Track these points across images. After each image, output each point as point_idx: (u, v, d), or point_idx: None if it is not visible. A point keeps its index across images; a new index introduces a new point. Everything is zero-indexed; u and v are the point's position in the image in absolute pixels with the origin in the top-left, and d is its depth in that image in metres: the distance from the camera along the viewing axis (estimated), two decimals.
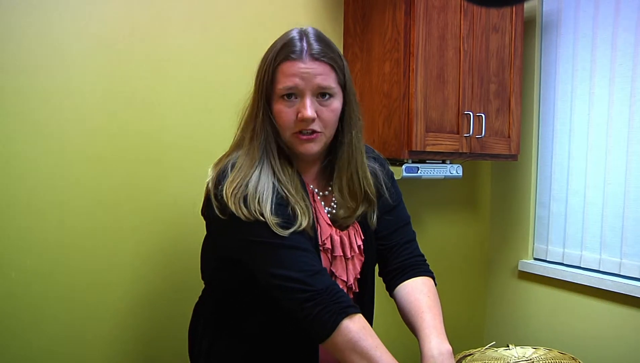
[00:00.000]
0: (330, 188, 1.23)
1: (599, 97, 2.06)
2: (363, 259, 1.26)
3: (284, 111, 1.11)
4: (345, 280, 1.22)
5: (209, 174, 1.15)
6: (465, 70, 1.91)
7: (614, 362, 2.01)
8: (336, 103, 1.13)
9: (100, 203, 1.52)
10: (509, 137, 2.08)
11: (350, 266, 1.23)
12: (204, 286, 1.33)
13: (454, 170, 2.01)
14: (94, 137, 1.50)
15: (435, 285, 1.28)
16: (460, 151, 1.92)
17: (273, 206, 1.08)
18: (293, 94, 1.10)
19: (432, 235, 2.30)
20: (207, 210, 1.16)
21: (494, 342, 2.09)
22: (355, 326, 1.04)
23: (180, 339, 1.40)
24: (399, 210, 1.32)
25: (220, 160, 1.18)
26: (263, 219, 1.06)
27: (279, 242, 1.06)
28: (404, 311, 1.22)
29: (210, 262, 1.27)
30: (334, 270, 1.20)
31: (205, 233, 1.26)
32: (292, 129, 1.11)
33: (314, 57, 1.09)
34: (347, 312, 1.04)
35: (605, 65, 2.04)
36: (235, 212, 1.06)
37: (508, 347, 2.04)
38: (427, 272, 1.28)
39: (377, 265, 1.33)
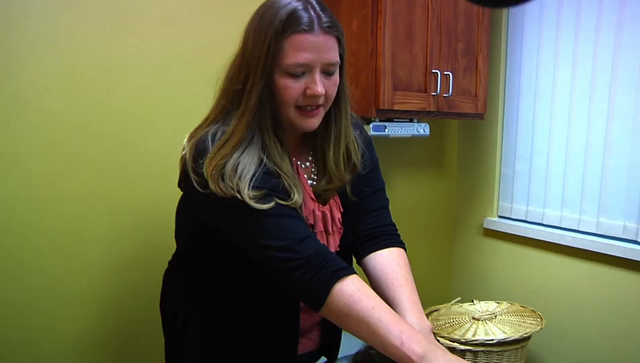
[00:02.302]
0: (310, 158, 1.19)
1: (564, 58, 2.09)
2: (342, 232, 1.23)
3: (290, 87, 1.03)
4: None
5: (185, 146, 1.09)
6: (433, 28, 1.91)
7: (572, 314, 2.10)
8: (337, 76, 1.08)
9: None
10: (475, 96, 2.11)
11: (331, 241, 1.20)
12: (175, 250, 1.29)
13: (421, 129, 2.03)
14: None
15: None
16: (428, 109, 1.93)
17: (259, 177, 1.01)
18: (302, 70, 1.02)
19: (399, 194, 2.33)
20: (185, 184, 1.11)
21: (459, 298, 2.17)
22: (348, 289, 0.98)
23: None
24: (375, 175, 1.28)
25: (195, 132, 1.10)
26: (247, 193, 0.99)
27: (263, 211, 1.00)
28: (378, 283, 1.19)
29: (188, 225, 1.21)
30: None
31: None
32: (296, 104, 1.05)
33: (325, 30, 1.02)
34: (338, 276, 0.99)
35: (570, 26, 2.06)
36: (216, 188, 1.00)
37: (473, 302, 2.12)
38: (400, 243, 1.26)
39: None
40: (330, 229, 1.19)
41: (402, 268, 1.20)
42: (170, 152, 1.13)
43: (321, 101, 1.06)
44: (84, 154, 1.54)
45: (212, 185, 1.00)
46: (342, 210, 1.21)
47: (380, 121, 1.91)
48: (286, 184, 1.05)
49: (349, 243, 1.26)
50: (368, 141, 1.28)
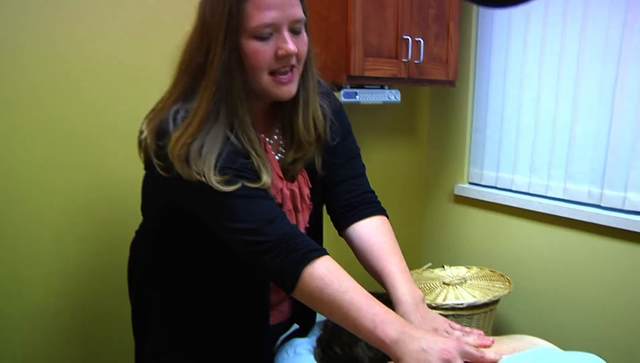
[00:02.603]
0: (278, 132, 1.15)
1: (534, 26, 2.10)
2: (312, 207, 1.21)
3: (261, 51, 0.97)
4: None
5: (143, 128, 1.04)
6: None
7: (539, 277, 2.16)
8: (305, 34, 1.03)
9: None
10: (446, 63, 2.11)
11: (300, 218, 1.18)
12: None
13: (392, 95, 2.03)
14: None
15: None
16: (399, 76, 1.93)
17: (225, 157, 0.98)
18: (269, 31, 0.97)
19: (370, 161, 2.31)
20: (149, 167, 1.07)
21: (430, 264, 2.21)
22: (319, 272, 0.95)
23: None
24: (348, 142, 1.24)
25: (155, 114, 1.04)
26: (212, 177, 0.96)
27: (230, 193, 0.97)
28: (364, 254, 1.17)
29: (154, 201, 1.17)
30: None
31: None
32: (269, 70, 0.99)
33: None
34: (309, 259, 0.96)
35: None
36: (182, 171, 0.96)
37: (443, 267, 2.16)
38: (381, 210, 1.24)
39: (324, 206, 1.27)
40: (299, 206, 1.16)
41: (388, 237, 1.18)
42: (138, 121, 1.10)
43: (293, 61, 1.01)
44: (47, 124, 1.49)
45: (177, 168, 0.96)
46: (310, 186, 1.19)
47: (351, 87, 1.89)
48: (255, 164, 1.01)
49: (319, 218, 1.25)
50: (339, 109, 1.24)
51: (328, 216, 1.27)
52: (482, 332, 1.03)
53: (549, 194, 2.11)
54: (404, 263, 1.13)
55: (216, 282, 1.15)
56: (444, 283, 1.96)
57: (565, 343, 1.00)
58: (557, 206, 2.06)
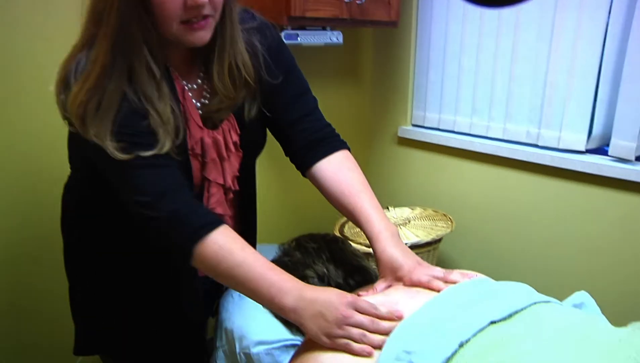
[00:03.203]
0: (202, 76, 1.09)
1: None
2: (241, 154, 1.17)
3: (167, 1, 0.90)
4: (222, 182, 1.14)
5: (56, 73, 0.97)
6: None
7: (480, 216, 2.23)
8: None
9: None
10: (389, 3, 2.07)
11: (227, 166, 1.14)
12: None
13: (334, 37, 1.99)
14: None
15: None
16: (341, 17, 1.88)
17: (121, 121, 0.93)
18: None
19: None
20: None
21: None
22: (209, 249, 0.94)
23: None
24: (294, 78, 1.19)
25: (67, 60, 0.97)
26: (108, 143, 0.91)
27: (126, 162, 0.93)
28: (333, 194, 1.14)
29: (77, 152, 1.12)
30: (207, 175, 1.11)
31: None
32: (180, 18, 0.93)
33: None
34: (199, 235, 0.95)
35: None
36: (82, 132, 0.92)
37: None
38: (343, 144, 1.21)
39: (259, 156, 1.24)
40: (224, 154, 1.12)
41: (355, 173, 1.16)
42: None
43: (207, 10, 0.94)
44: None
45: (77, 126, 0.91)
46: (239, 132, 1.14)
47: (292, 29, 1.84)
48: (152, 125, 0.95)
49: (250, 166, 1.22)
50: (277, 45, 1.17)
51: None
52: (466, 272, 1.03)
53: (489, 135, 2.16)
54: (374, 199, 1.12)
55: (142, 240, 1.09)
56: None
57: (505, 278, 1.04)
58: (497, 146, 2.11)
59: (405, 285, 1.00)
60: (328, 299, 0.90)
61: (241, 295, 1.33)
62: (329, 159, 1.17)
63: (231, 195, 1.20)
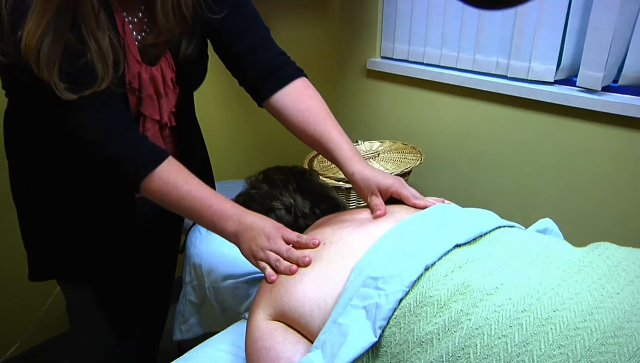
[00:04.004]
0: (143, 9, 1.06)
1: None
2: (178, 91, 1.17)
3: None
4: (159, 118, 1.15)
5: None
6: None
7: (449, 147, 2.24)
8: None
9: None
10: None
11: (164, 103, 1.14)
12: None
13: None
14: None
15: None
16: None
17: (66, 61, 0.91)
18: None
19: (279, 37, 2.21)
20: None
21: None
22: (154, 185, 1.00)
23: None
24: (241, 9, 1.16)
25: None
26: (57, 83, 0.91)
27: (73, 103, 0.94)
28: (297, 123, 1.14)
29: (12, 82, 1.08)
30: (143, 111, 1.11)
31: None
32: None
33: None
34: (142, 175, 1.00)
35: None
36: (35, 70, 0.90)
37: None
38: (300, 71, 1.20)
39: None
40: (161, 91, 1.12)
41: (316, 101, 1.17)
42: None
43: None
44: None
45: (31, 64, 0.89)
46: (175, 69, 1.13)
47: None
48: (91, 59, 0.93)
49: (187, 103, 1.23)
50: None
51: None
52: (442, 199, 1.09)
53: (459, 66, 2.14)
54: (338, 125, 1.14)
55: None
56: None
57: (469, 206, 1.06)
58: (466, 77, 2.09)
59: (394, 195, 1.07)
60: (262, 226, 1.01)
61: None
62: (287, 88, 1.16)
63: (167, 131, 1.21)
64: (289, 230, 1.02)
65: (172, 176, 1.01)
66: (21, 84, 1.04)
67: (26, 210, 1.20)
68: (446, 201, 1.08)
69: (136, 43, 1.06)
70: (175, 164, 1.03)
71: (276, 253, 0.97)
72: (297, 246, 0.99)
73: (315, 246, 0.97)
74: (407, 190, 1.07)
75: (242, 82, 1.21)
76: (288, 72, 1.18)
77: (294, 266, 0.94)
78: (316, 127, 1.12)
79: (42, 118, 1.07)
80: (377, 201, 1.04)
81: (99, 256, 1.23)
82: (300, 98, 1.16)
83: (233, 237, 1.02)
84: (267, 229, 1.00)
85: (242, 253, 1.03)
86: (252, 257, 1.00)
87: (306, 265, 0.93)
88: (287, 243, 0.99)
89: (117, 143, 0.99)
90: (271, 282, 0.94)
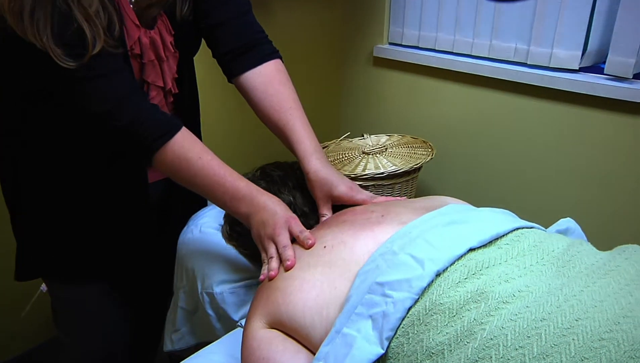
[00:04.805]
0: None
1: None
2: (178, 55, 1.20)
3: None
4: (162, 85, 1.18)
5: None
6: None
7: (462, 141, 2.24)
8: None
9: None
10: None
11: (166, 68, 1.17)
12: None
13: None
14: None
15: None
16: None
17: (55, 29, 0.91)
18: None
19: (281, 22, 2.25)
20: None
21: (349, 133, 2.22)
22: (167, 158, 1.04)
23: None
24: None
25: None
26: (52, 48, 0.91)
27: (78, 76, 0.96)
28: (263, 108, 1.20)
29: None
30: (146, 78, 1.14)
31: None
32: None
33: None
34: (157, 146, 1.03)
35: None
36: (20, 33, 0.90)
37: (363, 136, 2.18)
38: (274, 53, 1.24)
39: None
40: (162, 55, 1.14)
41: (286, 87, 1.20)
42: None
43: None
44: None
45: (14, 24, 0.89)
46: (172, 32, 1.16)
47: None
48: (82, 25, 0.94)
49: (189, 67, 1.26)
50: None
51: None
52: (405, 197, 1.11)
53: (474, 53, 2.13)
54: (304, 116, 1.19)
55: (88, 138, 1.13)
56: (364, 153, 1.99)
57: (488, 207, 1.05)
58: (482, 65, 2.08)
59: (344, 202, 1.13)
60: (272, 211, 1.04)
61: (202, 229, 1.34)
62: (260, 69, 1.21)
63: (171, 98, 1.23)
64: (297, 221, 1.05)
65: (185, 149, 1.04)
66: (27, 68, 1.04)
67: (19, 205, 1.21)
68: (441, 199, 1.09)
69: (131, 6, 1.08)
70: (189, 136, 1.06)
71: (276, 246, 1.01)
72: (298, 242, 1.01)
73: (308, 247, 0.99)
74: (362, 194, 1.14)
75: (216, 53, 1.26)
76: (263, 52, 1.22)
77: (274, 272, 0.97)
78: (281, 115, 1.18)
79: (29, 102, 1.08)
80: (325, 210, 1.14)
81: (107, 253, 1.25)
82: (270, 82, 1.20)
83: (245, 219, 1.07)
84: (276, 216, 1.04)
85: (252, 235, 1.07)
86: (260, 243, 1.05)
87: (287, 268, 0.95)
88: (291, 235, 1.02)
89: (130, 110, 1.01)
90: (270, 279, 0.96)
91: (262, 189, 1.08)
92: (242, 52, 1.21)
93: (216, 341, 1.21)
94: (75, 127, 1.09)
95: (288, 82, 1.22)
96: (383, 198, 1.15)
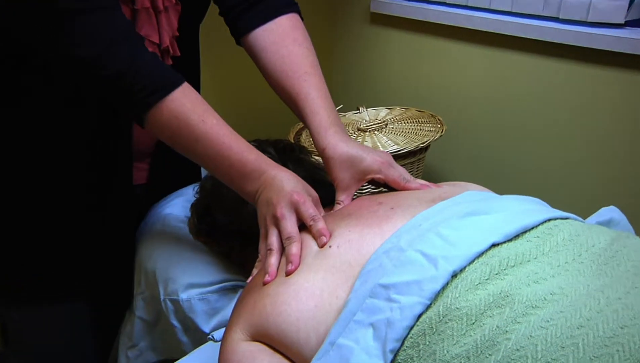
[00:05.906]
0: None
1: None
2: (180, 9, 1.19)
3: None
4: (158, 41, 1.17)
5: None
6: None
7: (479, 116, 2.24)
8: None
9: None
10: None
11: (164, 22, 1.17)
12: None
13: None
14: None
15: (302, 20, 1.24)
16: None
17: None
18: None
19: None
20: None
21: (342, 106, 2.22)
22: (163, 118, 1.02)
23: None
24: None
25: None
26: None
27: (63, 11, 0.96)
28: (272, 70, 1.20)
29: None
30: (138, 30, 1.13)
31: None
32: None
33: None
34: (151, 102, 1.01)
35: None
36: None
37: (358, 109, 2.18)
38: (290, 6, 1.23)
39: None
40: (159, 5, 1.14)
41: (302, 48, 1.20)
42: None
43: None
44: None
45: None
46: None
47: None
48: None
49: (192, 26, 1.26)
50: None
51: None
52: (426, 182, 1.11)
53: (493, 7, 2.13)
54: (324, 85, 1.18)
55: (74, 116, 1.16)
56: (359, 129, 1.99)
57: (511, 193, 1.06)
58: (503, 21, 2.08)
59: (375, 181, 1.10)
60: (280, 186, 1.01)
61: (164, 223, 1.35)
62: (271, 26, 1.20)
63: (169, 61, 1.22)
64: (307, 202, 1.01)
65: (186, 109, 1.02)
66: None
67: None
68: (465, 186, 1.09)
69: None
70: (191, 93, 1.05)
71: (280, 235, 0.98)
72: (309, 231, 0.98)
73: (320, 246, 0.95)
74: (395, 170, 1.09)
75: (221, 11, 1.26)
76: (275, 4, 1.21)
77: (269, 277, 0.94)
78: (294, 82, 1.16)
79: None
80: (343, 197, 1.09)
81: (83, 267, 1.28)
82: (282, 41, 1.19)
83: (252, 198, 1.05)
84: (281, 193, 1.00)
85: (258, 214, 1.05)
86: (263, 227, 1.03)
87: (288, 272, 0.92)
88: (299, 221, 0.99)
89: (122, 56, 1.00)
90: (264, 283, 0.93)
91: (274, 163, 1.06)
92: (253, 5, 1.20)
93: (183, 358, 1.21)
94: (49, 120, 1.11)
95: (306, 41, 1.21)
96: (423, 182, 1.11)
